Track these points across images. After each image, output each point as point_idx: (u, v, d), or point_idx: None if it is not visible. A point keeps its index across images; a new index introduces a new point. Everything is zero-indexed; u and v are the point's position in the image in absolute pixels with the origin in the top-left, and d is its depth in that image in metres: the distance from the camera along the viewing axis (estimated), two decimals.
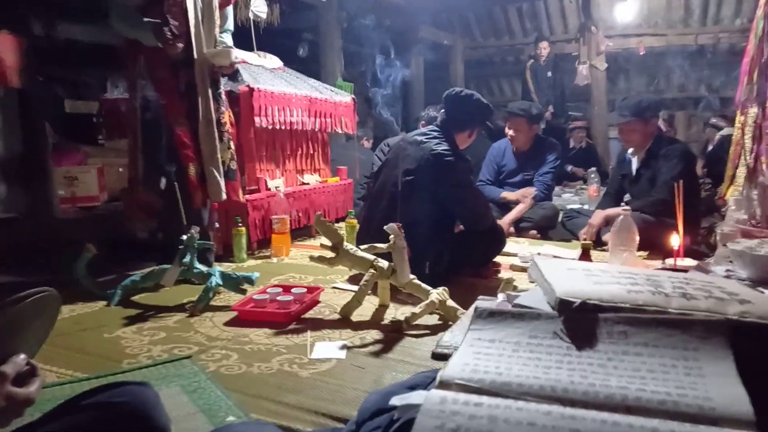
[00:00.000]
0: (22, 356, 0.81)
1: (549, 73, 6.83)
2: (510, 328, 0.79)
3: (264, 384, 1.53)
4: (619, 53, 7.88)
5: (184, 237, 2.23)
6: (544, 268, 0.95)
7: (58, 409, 0.91)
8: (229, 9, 2.71)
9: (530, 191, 3.57)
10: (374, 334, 1.88)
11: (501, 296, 1.28)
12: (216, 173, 2.55)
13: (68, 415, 0.90)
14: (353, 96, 4.06)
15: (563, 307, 0.80)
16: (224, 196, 2.61)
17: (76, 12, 4.62)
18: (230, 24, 2.74)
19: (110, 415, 0.89)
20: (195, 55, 2.46)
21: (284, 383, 1.53)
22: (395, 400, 0.64)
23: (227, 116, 2.66)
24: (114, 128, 3.29)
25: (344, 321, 2.01)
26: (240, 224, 2.90)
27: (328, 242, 2.09)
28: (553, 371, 0.68)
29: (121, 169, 4.08)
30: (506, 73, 9.14)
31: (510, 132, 3.80)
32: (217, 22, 2.59)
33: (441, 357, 1.65)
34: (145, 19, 2.36)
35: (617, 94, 7.71)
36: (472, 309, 0.89)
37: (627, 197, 3.42)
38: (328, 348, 1.76)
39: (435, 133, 2.53)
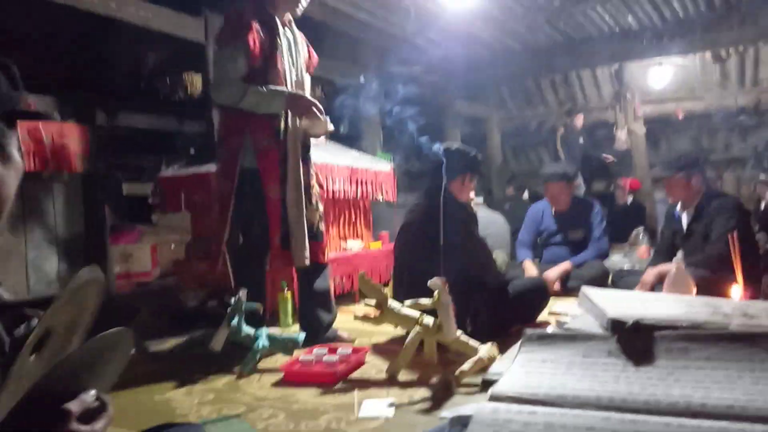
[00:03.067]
0: (92, 392, 0.80)
1: (581, 140, 6.87)
2: (562, 350, 0.77)
3: None
4: (657, 117, 7.88)
5: (232, 300, 2.27)
6: (594, 296, 0.93)
7: None
8: None
9: (553, 276, 3.50)
10: (423, 393, 1.83)
11: (550, 328, 1.25)
12: (301, 237, 2.46)
13: None
14: (393, 164, 4.18)
15: (616, 326, 0.78)
16: (307, 262, 2.48)
17: (137, 103, 5.03)
18: None
19: None
20: (290, 125, 2.45)
21: None
22: (446, 413, 0.62)
23: (315, 179, 2.64)
24: (171, 204, 3.45)
25: (391, 380, 1.98)
26: (286, 289, 2.94)
27: (372, 302, 2.09)
28: (611, 385, 0.66)
29: (173, 246, 4.26)
30: (542, 141, 9.22)
31: (550, 197, 3.93)
32: (308, 88, 2.61)
33: (491, 385, 1.58)
34: (287, 91, 2.39)
35: (660, 158, 7.62)
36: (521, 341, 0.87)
37: (679, 254, 3.30)
38: (375, 406, 1.71)
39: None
